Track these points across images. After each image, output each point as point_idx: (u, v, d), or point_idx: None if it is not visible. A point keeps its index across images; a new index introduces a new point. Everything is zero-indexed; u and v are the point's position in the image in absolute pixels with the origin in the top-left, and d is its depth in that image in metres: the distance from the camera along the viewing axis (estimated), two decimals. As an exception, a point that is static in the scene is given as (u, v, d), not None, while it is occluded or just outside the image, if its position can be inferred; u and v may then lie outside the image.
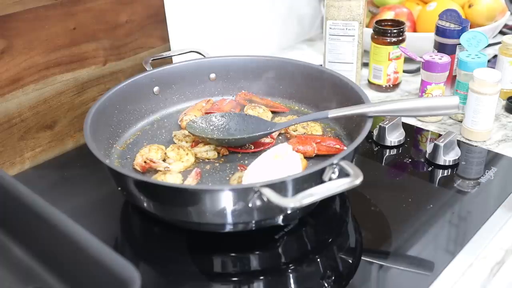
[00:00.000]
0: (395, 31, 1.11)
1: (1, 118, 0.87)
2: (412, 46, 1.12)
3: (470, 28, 1.07)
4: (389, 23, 1.16)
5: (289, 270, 0.70)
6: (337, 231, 0.77)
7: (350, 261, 0.71)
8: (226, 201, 0.64)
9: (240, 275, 0.70)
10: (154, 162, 0.81)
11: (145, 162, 0.81)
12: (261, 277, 0.70)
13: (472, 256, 0.70)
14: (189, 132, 0.86)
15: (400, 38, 1.12)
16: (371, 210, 0.80)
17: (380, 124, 0.95)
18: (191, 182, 0.79)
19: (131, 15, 1.01)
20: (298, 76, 0.98)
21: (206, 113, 0.96)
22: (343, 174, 0.65)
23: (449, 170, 0.88)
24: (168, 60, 1.07)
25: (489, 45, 1.25)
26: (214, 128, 0.87)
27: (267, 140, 0.88)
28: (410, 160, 0.92)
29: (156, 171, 0.81)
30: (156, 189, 0.67)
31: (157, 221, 0.76)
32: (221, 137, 0.85)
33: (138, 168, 0.82)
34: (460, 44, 1.02)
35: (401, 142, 0.95)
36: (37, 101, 0.91)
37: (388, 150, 0.95)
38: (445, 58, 0.99)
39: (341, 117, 0.82)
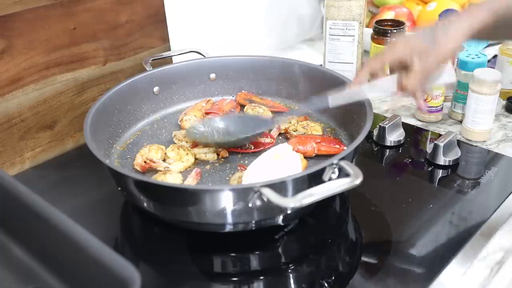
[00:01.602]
0: (395, 31, 1.11)
1: (1, 118, 0.87)
2: (412, 46, 1.12)
3: (470, 28, 1.07)
4: (389, 23, 1.16)
5: (289, 270, 0.70)
6: (337, 231, 0.77)
7: (350, 261, 0.71)
8: (226, 201, 0.64)
9: (240, 275, 0.70)
10: (154, 162, 0.81)
11: (145, 162, 0.81)
12: (261, 277, 0.70)
13: (472, 256, 0.70)
14: (189, 138, 0.86)
15: (400, 38, 1.12)
16: (371, 210, 0.80)
17: (380, 124, 0.95)
18: (191, 182, 0.79)
19: (131, 15, 1.01)
20: (298, 76, 0.98)
21: (206, 113, 0.96)
22: (343, 174, 0.65)
23: (449, 170, 0.88)
24: (168, 60, 1.07)
25: (489, 45, 1.25)
26: (214, 131, 0.87)
27: (267, 140, 0.88)
28: (410, 160, 0.92)
29: (156, 171, 0.82)
30: (156, 189, 0.67)
31: (157, 221, 0.76)
32: (221, 139, 0.85)
33: (138, 168, 0.82)
34: (460, 44, 1.02)
35: (401, 142, 0.95)
36: (37, 101, 0.91)
37: (388, 150, 0.95)
38: (445, 58, 0.99)
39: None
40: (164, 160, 0.84)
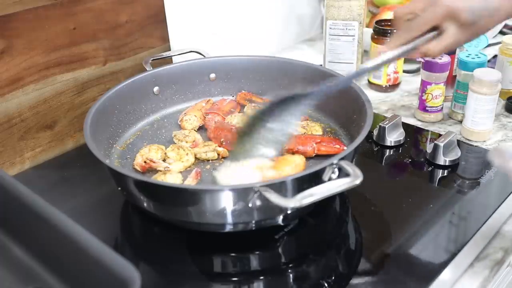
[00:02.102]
0: (395, 31, 1.11)
1: (1, 118, 0.87)
2: (412, 46, 1.12)
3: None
4: (389, 23, 1.16)
5: (289, 270, 0.70)
6: (337, 231, 0.77)
7: (350, 261, 0.71)
8: (226, 201, 0.64)
9: (240, 275, 0.70)
10: (154, 162, 0.81)
11: (145, 162, 0.81)
12: (261, 277, 0.70)
13: (472, 256, 0.70)
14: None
15: (400, 38, 1.11)
16: (371, 210, 0.80)
17: (380, 124, 0.95)
18: (191, 182, 0.79)
19: (131, 15, 1.01)
20: (298, 76, 0.98)
21: (206, 113, 0.96)
22: (343, 174, 0.65)
23: (449, 170, 0.88)
24: (168, 60, 1.07)
25: (489, 45, 1.25)
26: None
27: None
28: (410, 160, 0.92)
29: (156, 171, 0.81)
30: (156, 189, 0.67)
31: (157, 221, 0.76)
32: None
33: (138, 168, 0.82)
34: (460, 44, 1.02)
35: (401, 142, 0.95)
36: (37, 101, 0.91)
37: (388, 150, 0.95)
38: (445, 58, 0.99)
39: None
40: (164, 160, 0.84)
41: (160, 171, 0.81)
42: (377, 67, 0.74)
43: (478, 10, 0.67)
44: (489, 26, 0.69)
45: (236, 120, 0.94)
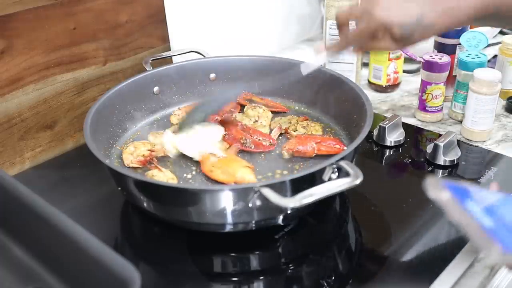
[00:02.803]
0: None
1: (1, 118, 0.87)
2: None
3: (470, 28, 1.07)
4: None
5: (289, 270, 0.70)
6: (337, 231, 0.77)
7: (350, 261, 0.71)
8: (226, 201, 0.64)
9: (240, 275, 0.70)
10: (153, 151, 0.82)
11: (143, 156, 0.82)
12: (261, 277, 0.70)
13: (472, 256, 0.70)
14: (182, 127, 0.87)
15: (400, 38, 1.12)
16: (371, 210, 0.80)
17: (380, 124, 0.95)
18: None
19: (131, 15, 1.01)
20: (298, 76, 0.98)
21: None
22: (343, 174, 0.65)
23: (449, 170, 0.88)
24: (168, 60, 1.07)
25: (489, 45, 1.25)
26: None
27: (267, 143, 0.88)
28: (410, 160, 0.92)
29: (149, 168, 0.82)
30: (156, 189, 0.67)
31: (157, 221, 0.76)
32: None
33: (137, 165, 0.82)
34: (460, 44, 1.02)
35: (401, 142, 0.95)
36: (37, 101, 0.91)
37: (388, 150, 0.95)
38: (445, 58, 0.99)
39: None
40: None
41: (154, 165, 0.81)
42: (314, 69, 0.83)
43: (411, 27, 0.68)
44: (422, 39, 0.70)
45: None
